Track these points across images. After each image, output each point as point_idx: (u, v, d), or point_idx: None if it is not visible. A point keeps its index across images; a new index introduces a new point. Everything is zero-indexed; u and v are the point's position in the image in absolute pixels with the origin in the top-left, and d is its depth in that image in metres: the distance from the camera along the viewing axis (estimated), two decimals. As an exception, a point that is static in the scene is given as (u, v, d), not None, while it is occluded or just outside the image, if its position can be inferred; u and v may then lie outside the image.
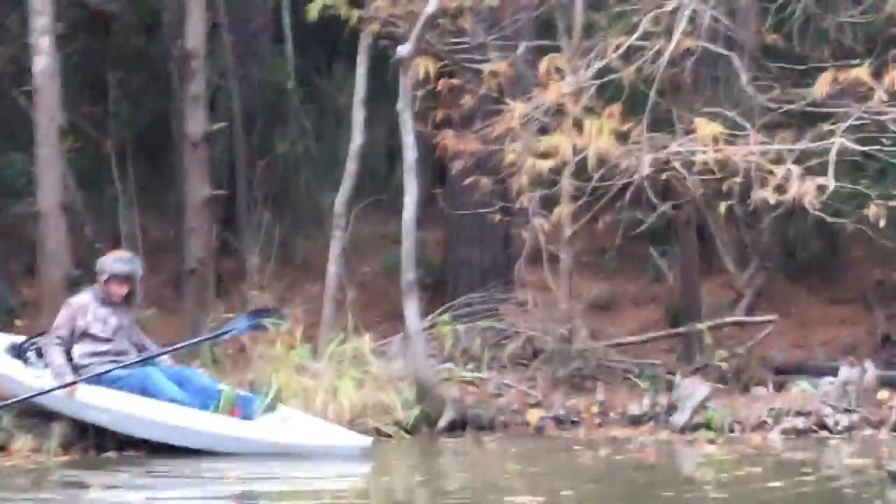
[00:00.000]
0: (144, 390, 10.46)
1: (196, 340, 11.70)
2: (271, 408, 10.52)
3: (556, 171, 11.49)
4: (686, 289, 13.97)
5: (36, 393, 10.47)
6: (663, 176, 11.33)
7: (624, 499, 8.01)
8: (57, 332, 10.77)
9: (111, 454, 10.47)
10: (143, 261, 16.01)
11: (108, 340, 10.79)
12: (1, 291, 14.90)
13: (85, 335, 10.76)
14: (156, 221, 17.98)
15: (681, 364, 13.17)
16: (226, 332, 11.26)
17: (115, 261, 11.02)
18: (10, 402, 10.59)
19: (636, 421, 11.71)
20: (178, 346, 11.35)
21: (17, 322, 14.77)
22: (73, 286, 13.05)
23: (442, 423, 11.47)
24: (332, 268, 12.65)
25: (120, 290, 10.95)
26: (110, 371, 10.58)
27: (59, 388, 10.42)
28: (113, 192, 16.70)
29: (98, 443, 10.59)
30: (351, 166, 12.75)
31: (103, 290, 10.91)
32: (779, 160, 11.33)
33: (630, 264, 17.00)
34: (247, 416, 10.44)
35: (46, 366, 10.72)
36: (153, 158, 17.66)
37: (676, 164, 11.21)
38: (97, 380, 10.57)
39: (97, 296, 10.90)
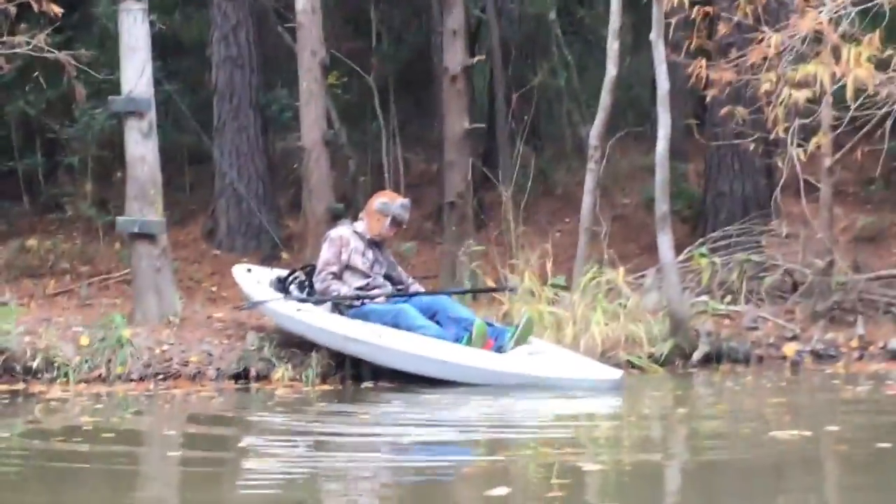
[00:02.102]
0: (396, 325, 10.65)
1: (454, 291, 11.88)
2: (522, 339, 10.58)
3: (813, 100, 11.20)
4: (955, 220, 13.52)
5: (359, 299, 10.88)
6: (927, 102, 10.91)
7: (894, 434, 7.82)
8: (329, 269, 10.97)
9: (368, 384, 10.71)
10: (406, 193, 16.46)
11: (366, 275, 11.00)
12: (267, 226, 15.32)
13: (348, 268, 10.99)
14: (419, 155, 18.26)
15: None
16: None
17: (400, 206, 11.10)
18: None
19: (897, 355, 11.43)
20: (437, 292, 11.55)
21: (283, 255, 15.22)
22: (336, 219, 13.37)
23: (696, 356, 11.34)
24: (587, 200, 12.58)
25: (392, 233, 11.24)
26: (371, 302, 10.83)
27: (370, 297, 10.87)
28: (376, 127, 17.00)
29: (355, 373, 10.87)
30: (605, 98, 12.64)
31: (377, 230, 11.07)
32: None
33: (898, 195, 16.54)
34: (499, 349, 10.54)
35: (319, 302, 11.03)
36: (415, 93, 17.92)
37: (941, 92, 10.78)
38: (356, 311, 10.83)
39: (358, 231, 11.07)
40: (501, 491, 6.59)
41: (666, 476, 7.35)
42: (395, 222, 11.09)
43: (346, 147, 16.64)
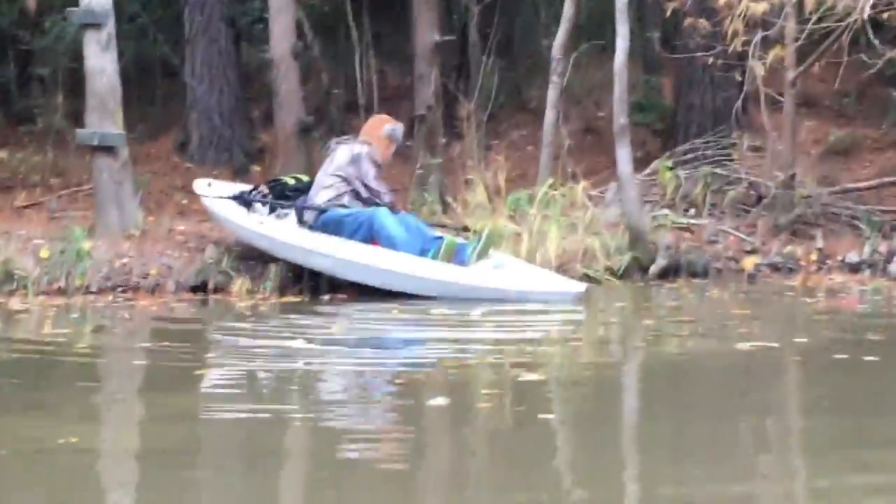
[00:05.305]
0: (371, 226, 10.71)
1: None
2: (483, 254, 10.67)
3: (773, 12, 11.17)
4: (923, 133, 13.51)
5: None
6: (884, 17, 10.88)
7: (856, 346, 7.95)
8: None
9: (325, 297, 10.78)
10: (380, 106, 16.44)
11: None
12: (231, 142, 15.23)
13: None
14: (395, 68, 18.17)
15: (915, 212, 12.79)
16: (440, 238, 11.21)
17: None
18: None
19: (854, 268, 11.46)
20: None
21: (256, 168, 15.24)
22: (306, 132, 13.39)
23: (653, 269, 11.38)
24: (549, 114, 12.57)
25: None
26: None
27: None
28: (350, 40, 16.89)
29: (313, 286, 10.94)
30: (568, 9, 12.59)
31: (387, 156, 11.27)
32: None
33: (871, 109, 16.49)
34: (461, 263, 10.61)
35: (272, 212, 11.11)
36: (391, 5, 17.76)
37: (899, 4, 10.75)
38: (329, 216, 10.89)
39: (374, 157, 11.09)
40: (441, 401, 6.72)
41: (606, 386, 7.45)
42: (397, 147, 11.41)
43: (319, 60, 16.56)
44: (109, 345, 9.36)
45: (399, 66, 17.75)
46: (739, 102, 12.23)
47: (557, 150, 12.63)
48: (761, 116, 12.71)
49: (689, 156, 13.45)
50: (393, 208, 10.93)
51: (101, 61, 11.62)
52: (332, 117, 16.50)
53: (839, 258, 11.67)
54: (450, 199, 12.40)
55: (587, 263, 11.14)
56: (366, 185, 10.98)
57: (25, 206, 13.68)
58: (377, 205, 10.91)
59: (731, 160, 13.31)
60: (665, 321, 9.78)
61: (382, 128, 11.23)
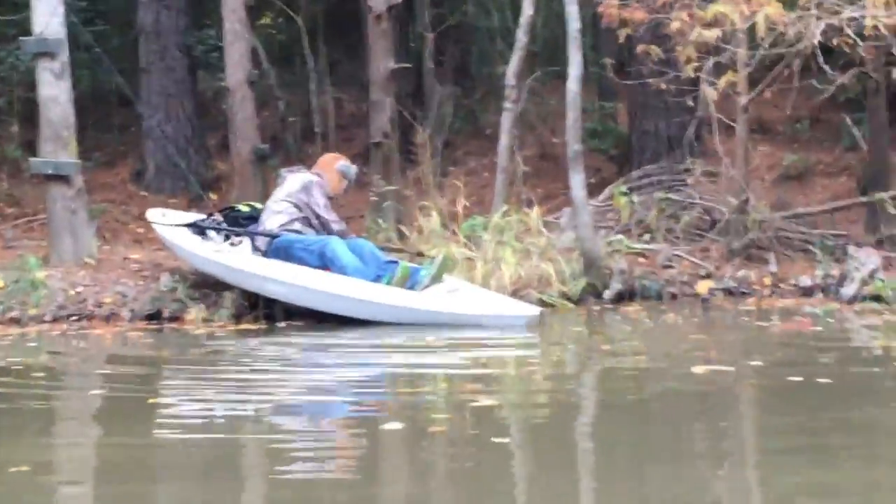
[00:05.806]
0: (323, 255, 10.73)
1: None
2: (437, 278, 10.69)
3: (724, 39, 11.27)
4: (874, 158, 13.62)
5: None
6: (834, 43, 10.98)
7: (810, 369, 8.00)
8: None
9: (281, 324, 10.77)
10: (336, 134, 16.49)
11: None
12: (187, 170, 15.20)
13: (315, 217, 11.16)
14: (351, 95, 18.24)
15: (867, 235, 12.90)
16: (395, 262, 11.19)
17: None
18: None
19: (807, 292, 11.55)
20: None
21: (212, 196, 15.22)
22: (261, 160, 13.40)
23: (608, 294, 11.43)
24: (504, 140, 12.62)
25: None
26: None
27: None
28: (306, 68, 16.95)
29: (268, 313, 10.92)
30: (521, 38, 12.65)
31: (337, 189, 11.35)
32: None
33: (825, 134, 16.66)
34: (412, 287, 10.63)
35: (226, 240, 11.13)
36: (346, 33, 17.84)
37: (849, 31, 10.85)
38: (281, 240, 10.90)
39: (324, 187, 11.20)
40: (395, 426, 6.73)
41: (561, 410, 7.45)
42: (348, 186, 11.47)
43: (275, 88, 16.60)
44: (63, 375, 9.31)
45: (355, 93, 17.85)
46: (693, 128, 12.31)
47: (512, 176, 12.67)
48: (714, 142, 12.80)
49: (644, 181, 13.55)
50: (343, 237, 10.97)
51: (55, 90, 11.61)
52: (289, 145, 16.56)
53: (792, 282, 11.76)
54: (405, 226, 12.39)
55: (542, 289, 11.17)
56: (316, 214, 11.02)
57: (-21, 236, 13.62)
58: (329, 232, 10.96)
59: (686, 185, 13.39)
60: (620, 345, 9.79)
61: (337, 163, 11.36)
